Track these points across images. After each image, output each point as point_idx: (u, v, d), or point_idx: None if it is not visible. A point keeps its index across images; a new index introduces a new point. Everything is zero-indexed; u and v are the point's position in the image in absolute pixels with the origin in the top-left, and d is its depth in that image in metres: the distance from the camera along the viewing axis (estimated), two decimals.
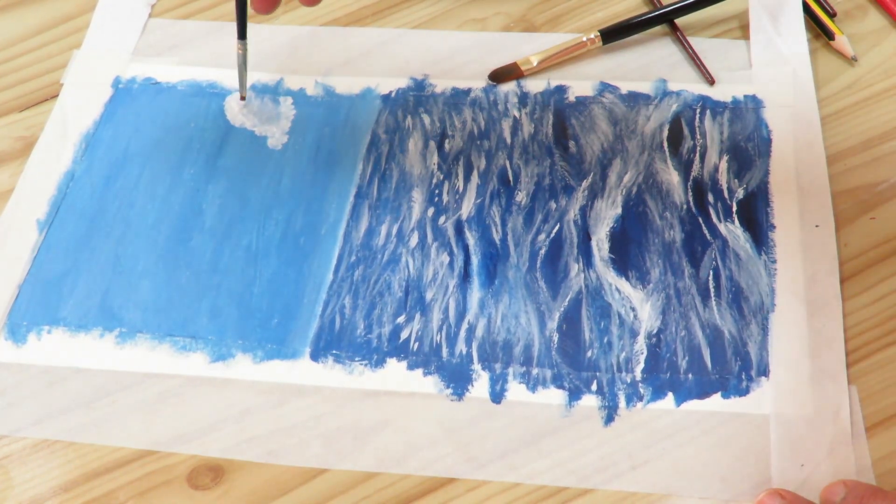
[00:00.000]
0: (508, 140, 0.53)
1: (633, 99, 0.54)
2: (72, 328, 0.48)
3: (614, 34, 0.56)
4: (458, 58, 0.57)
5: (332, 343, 0.46)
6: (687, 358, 0.45)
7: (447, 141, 0.53)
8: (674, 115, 0.53)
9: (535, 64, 0.55)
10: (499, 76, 0.55)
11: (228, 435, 0.44)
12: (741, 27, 0.57)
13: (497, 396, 0.44)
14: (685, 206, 0.50)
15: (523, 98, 0.55)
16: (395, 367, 0.45)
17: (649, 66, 0.56)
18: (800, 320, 0.45)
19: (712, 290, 0.47)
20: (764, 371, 0.44)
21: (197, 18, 0.61)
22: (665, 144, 0.52)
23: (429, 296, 0.47)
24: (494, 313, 0.47)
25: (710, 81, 0.54)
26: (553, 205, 0.50)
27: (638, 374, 0.44)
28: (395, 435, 0.44)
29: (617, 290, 0.47)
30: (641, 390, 0.44)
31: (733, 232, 0.48)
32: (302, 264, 0.49)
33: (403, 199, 0.51)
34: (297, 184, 0.52)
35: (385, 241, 0.50)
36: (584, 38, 0.56)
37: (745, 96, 0.54)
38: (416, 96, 0.55)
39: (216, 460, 0.44)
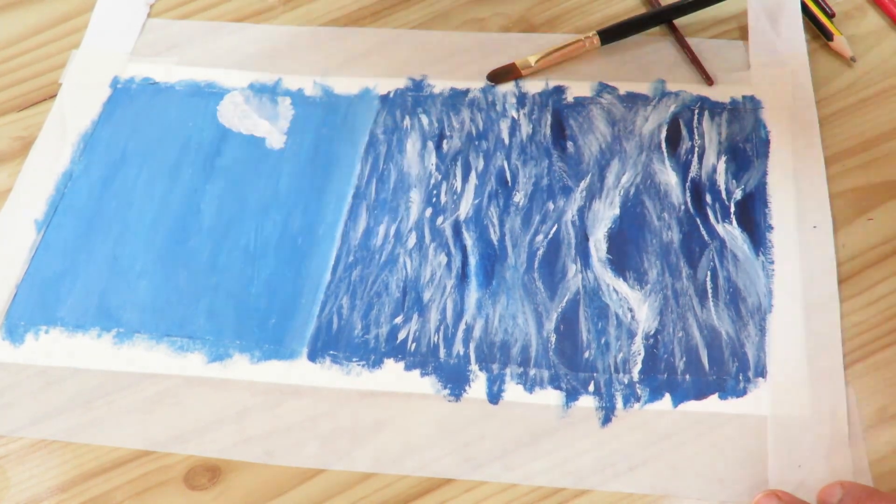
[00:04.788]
0: (506, 141, 0.53)
1: (632, 100, 0.54)
2: (69, 328, 0.48)
3: (613, 35, 0.56)
4: (457, 58, 0.57)
5: (330, 343, 0.46)
6: (684, 359, 0.45)
7: (445, 141, 0.53)
8: (672, 115, 0.53)
9: (533, 64, 0.55)
10: (497, 77, 0.55)
11: (226, 435, 0.44)
12: (740, 28, 0.57)
13: (494, 397, 0.44)
14: (683, 207, 0.50)
15: (521, 98, 0.55)
16: (392, 368, 0.45)
17: (648, 66, 0.56)
18: (797, 321, 0.45)
19: (710, 290, 0.47)
20: (761, 372, 0.44)
21: (195, 18, 0.61)
22: (663, 145, 0.52)
23: (426, 296, 0.47)
24: (492, 314, 0.47)
25: (709, 82, 0.54)
26: (551, 205, 0.50)
27: (635, 375, 0.44)
28: (393, 435, 0.44)
29: (614, 290, 0.47)
30: (639, 391, 0.44)
31: (731, 233, 0.48)
32: (300, 265, 0.49)
33: (401, 199, 0.51)
34: (295, 184, 0.52)
35: (383, 242, 0.50)
36: (583, 39, 0.56)
37: (744, 97, 0.53)
38: (415, 97, 0.55)
39: (213, 460, 0.44)
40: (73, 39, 0.60)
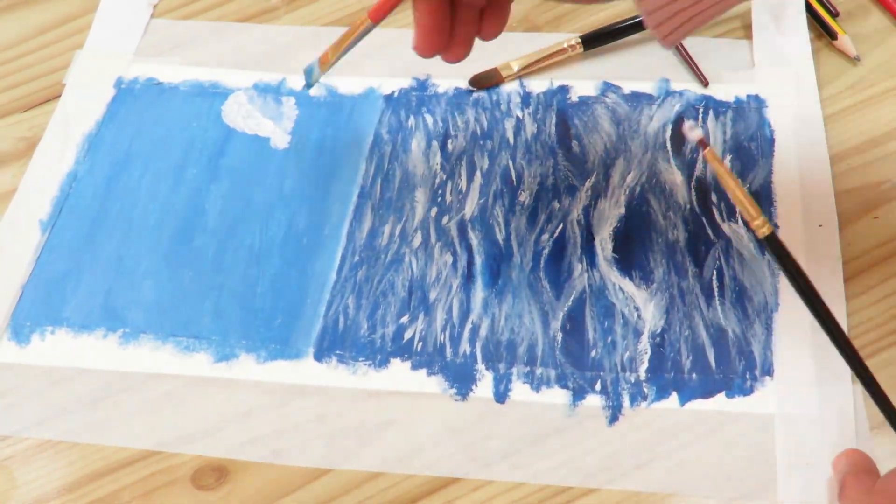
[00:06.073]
0: (511, 140, 0.53)
1: (636, 99, 0.54)
2: (75, 328, 0.48)
3: (596, 41, 0.55)
4: None
5: (336, 343, 0.46)
6: (691, 357, 0.45)
7: (450, 141, 0.53)
8: (676, 114, 0.53)
9: (515, 70, 0.55)
10: (479, 82, 0.55)
11: (232, 435, 0.44)
12: (744, 27, 0.57)
13: (501, 396, 0.44)
14: (688, 206, 0.50)
15: (526, 98, 0.55)
16: (398, 368, 0.45)
17: (652, 65, 0.56)
18: (804, 320, 0.45)
19: (716, 289, 0.47)
20: (768, 370, 0.44)
21: (199, 19, 0.61)
22: (668, 144, 0.52)
23: (432, 296, 0.47)
24: (498, 313, 0.47)
25: (704, 83, 0.54)
26: (556, 205, 0.50)
27: (642, 374, 0.44)
28: (400, 435, 0.44)
29: (620, 289, 0.47)
30: (645, 390, 0.44)
31: (737, 231, 0.48)
32: (305, 264, 0.49)
33: (406, 199, 0.51)
34: (299, 184, 0.52)
35: (388, 241, 0.50)
36: (565, 45, 0.55)
37: (748, 96, 0.54)
38: (419, 96, 0.55)
39: (220, 460, 0.44)
40: (76, 40, 0.60)
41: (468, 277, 0.48)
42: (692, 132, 0.36)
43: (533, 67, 0.55)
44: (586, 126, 0.53)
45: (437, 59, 0.56)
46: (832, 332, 0.38)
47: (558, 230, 0.49)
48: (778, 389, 0.43)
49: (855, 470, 0.39)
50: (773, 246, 0.37)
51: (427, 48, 0.44)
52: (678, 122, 0.53)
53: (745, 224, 0.48)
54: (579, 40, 0.55)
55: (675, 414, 0.43)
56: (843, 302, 0.46)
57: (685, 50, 0.55)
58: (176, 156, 0.54)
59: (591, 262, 0.48)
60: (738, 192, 0.36)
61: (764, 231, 0.36)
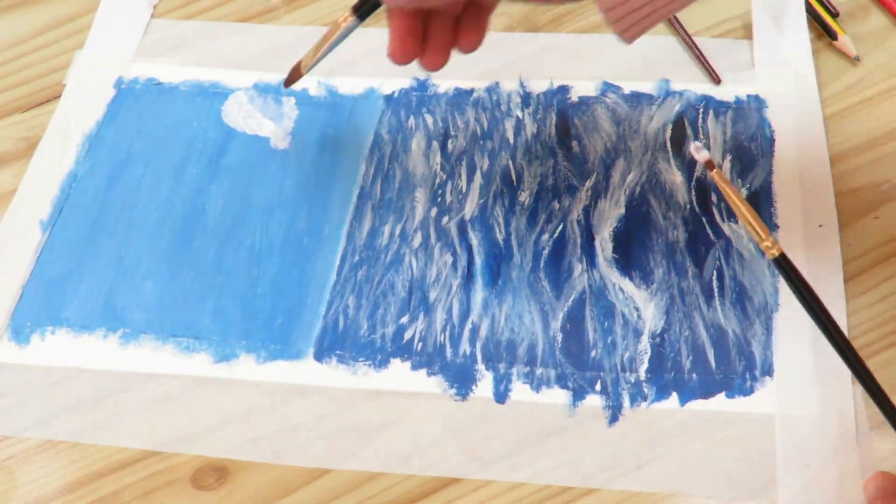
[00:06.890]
0: (511, 140, 0.53)
1: (636, 99, 0.54)
2: (75, 329, 0.48)
3: (367, 10, 0.49)
4: (461, 58, 0.56)
5: (336, 343, 0.46)
6: (691, 358, 0.45)
7: (450, 141, 0.53)
8: (677, 114, 0.53)
9: (311, 58, 0.49)
10: (289, 82, 0.51)
11: (232, 435, 0.44)
12: (744, 27, 0.57)
13: (501, 396, 0.44)
14: (688, 206, 0.50)
15: (526, 98, 0.55)
16: (398, 368, 0.45)
17: (652, 65, 0.56)
18: (804, 320, 0.45)
19: (716, 289, 0.47)
20: (768, 371, 0.44)
21: (199, 19, 0.61)
22: (668, 144, 0.52)
23: (432, 296, 0.47)
24: (498, 313, 0.47)
25: (717, 80, 0.54)
26: (556, 205, 0.50)
27: (642, 374, 0.44)
28: (400, 435, 0.44)
29: (620, 289, 0.47)
30: (645, 390, 0.44)
31: (737, 232, 0.48)
32: (305, 265, 0.49)
33: (406, 199, 0.51)
34: (300, 184, 0.52)
35: (388, 242, 0.50)
36: (339, 20, 0.49)
37: (748, 96, 0.54)
38: (419, 96, 0.55)
39: (220, 460, 0.44)
40: (76, 40, 0.60)
41: (468, 277, 0.48)
42: (699, 153, 0.36)
43: (323, 51, 0.49)
44: (586, 126, 0.53)
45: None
46: (842, 351, 0.38)
47: (558, 230, 0.49)
48: (778, 389, 0.43)
49: (884, 494, 0.39)
50: (782, 267, 0.37)
51: (401, 54, 0.45)
52: (678, 123, 0.53)
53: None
54: (351, 13, 0.49)
55: (676, 414, 0.43)
56: (843, 302, 0.46)
57: (697, 48, 0.55)
58: (176, 156, 0.54)
59: (591, 262, 0.48)
60: (746, 214, 0.36)
61: (773, 252, 0.36)
